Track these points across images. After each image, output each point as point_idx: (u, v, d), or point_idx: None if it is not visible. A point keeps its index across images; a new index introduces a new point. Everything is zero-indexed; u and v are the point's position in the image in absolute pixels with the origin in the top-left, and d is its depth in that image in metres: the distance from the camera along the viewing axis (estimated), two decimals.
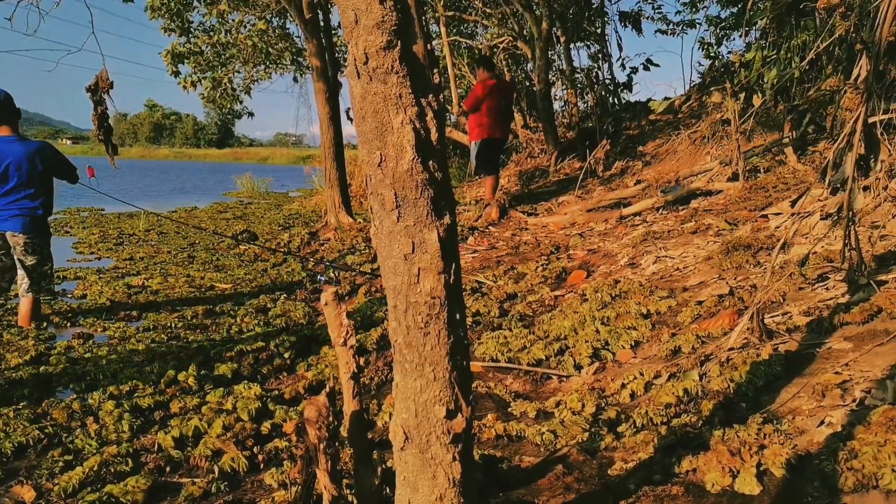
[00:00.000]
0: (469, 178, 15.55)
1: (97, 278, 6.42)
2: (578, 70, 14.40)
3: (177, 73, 15.08)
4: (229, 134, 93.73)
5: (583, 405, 2.40)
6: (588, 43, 15.07)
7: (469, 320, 3.88)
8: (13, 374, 3.62)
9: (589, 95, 14.06)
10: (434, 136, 1.24)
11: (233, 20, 14.39)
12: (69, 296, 5.80)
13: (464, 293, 4.55)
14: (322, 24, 8.13)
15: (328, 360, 3.74)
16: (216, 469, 2.37)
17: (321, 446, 1.37)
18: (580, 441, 2.04)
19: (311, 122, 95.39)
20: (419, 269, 1.23)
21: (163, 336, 4.46)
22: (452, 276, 1.26)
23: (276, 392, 3.26)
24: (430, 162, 1.23)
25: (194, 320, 4.89)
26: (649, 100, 13.60)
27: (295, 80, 17.92)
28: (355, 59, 1.21)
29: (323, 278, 5.76)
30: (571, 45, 14.02)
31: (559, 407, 2.48)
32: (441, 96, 1.27)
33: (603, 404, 2.42)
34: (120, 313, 5.09)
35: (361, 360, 3.67)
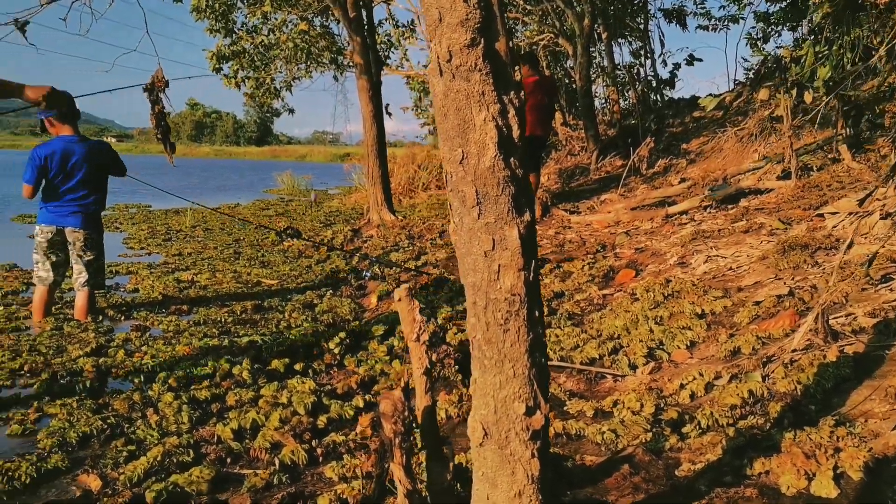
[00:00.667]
0: None
1: (148, 273, 6.56)
2: (620, 67, 14.27)
3: (219, 70, 15.32)
4: (268, 132, 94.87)
5: (641, 405, 2.38)
6: (630, 39, 14.92)
7: None
8: (74, 366, 3.72)
9: (630, 92, 13.92)
10: (515, 133, 1.24)
11: (275, 20, 14.58)
12: (122, 290, 5.93)
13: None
14: (366, 22, 8.18)
15: (377, 356, 3.77)
16: (277, 461, 2.41)
17: (396, 440, 1.39)
18: (644, 441, 2.03)
19: (349, 120, 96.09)
20: (499, 265, 1.23)
21: (214, 330, 4.54)
22: (532, 274, 1.26)
23: (329, 387, 3.29)
24: (512, 159, 1.23)
25: (243, 315, 4.97)
26: (693, 96, 13.41)
27: (335, 78, 18.02)
28: (438, 57, 1.22)
29: (368, 275, 5.80)
30: (613, 42, 13.90)
31: (617, 406, 2.47)
32: (521, 93, 1.27)
33: (662, 404, 2.40)
34: (171, 307, 5.20)
35: (406, 357, 3.70)
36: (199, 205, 6.87)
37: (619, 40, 14.27)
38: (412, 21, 15.81)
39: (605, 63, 13.66)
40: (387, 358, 3.69)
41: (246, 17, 14.59)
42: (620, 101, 13.56)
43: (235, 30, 14.65)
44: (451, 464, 1.47)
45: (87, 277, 4.74)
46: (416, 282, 5.21)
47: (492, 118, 1.20)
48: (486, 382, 1.27)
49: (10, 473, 2.44)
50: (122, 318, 4.91)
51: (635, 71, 14.06)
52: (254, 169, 37.47)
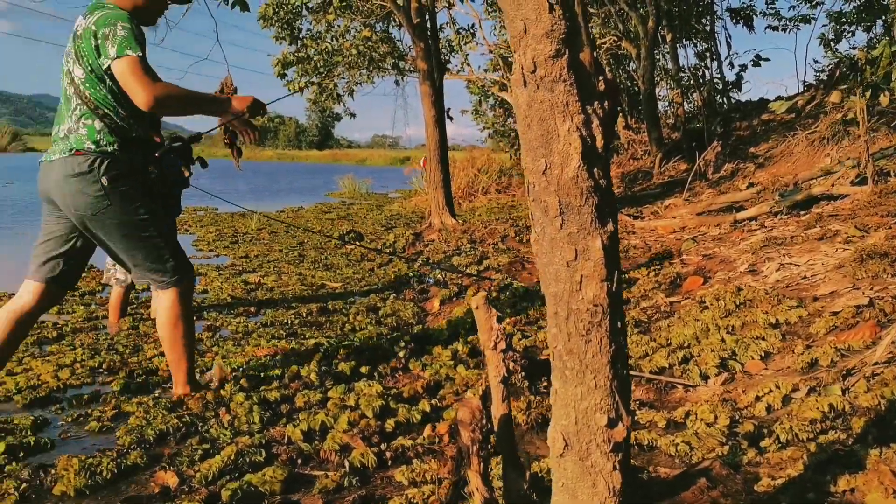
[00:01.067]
0: None
1: (217, 275, 6.74)
2: (684, 69, 14.01)
3: (283, 76, 15.66)
4: (329, 136, 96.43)
5: (715, 417, 2.33)
6: (695, 41, 14.63)
7: None
8: (150, 364, 3.86)
9: (695, 95, 13.64)
10: (599, 143, 1.24)
11: (338, 26, 14.82)
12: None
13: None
14: (428, 27, 8.24)
15: (442, 360, 3.79)
16: (347, 464, 2.44)
17: (474, 448, 1.39)
18: (720, 454, 1.99)
19: (408, 124, 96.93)
20: (581, 276, 1.23)
21: (281, 332, 4.64)
22: (614, 284, 1.25)
23: (395, 390, 3.32)
24: (595, 169, 1.23)
25: (309, 317, 5.07)
26: (762, 99, 13.06)
27: (396, 83, 18.21)
28: (522, 68, 1.22)
29: (430, 280, 5.84)
30: (678, 44, 13.65)
31: (689, 417, 2.42)
32: (606, 103, 1.27)
33: (737, 417, 2.35)
34: (240, 308, 5.34)
35: (473, 362, 3.70)
36: (250, 210, 7.03)
37: (684, 42, 14.01)
38: (472, 25, 15.84)
39: (669, 65, 13.42)
40: (451, 363, 3.71)
41: (310, 25, 14.90)
42: (685, 103, 13.30)
43: (300, 37, 14.97)
44: (528, 473, 1.47)
45: None
46: (478, 286, 5.22)
47: (576, 128, 1.20)
48: (567, 393, 1.27)
49: (92, 469, 2.54)
50: (194, 318, 5.05)
51: (700, 73, 13.78)
52: (315, 172, 38.12)
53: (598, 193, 1.23)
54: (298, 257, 8.00)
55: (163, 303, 3.23)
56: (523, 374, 2.95)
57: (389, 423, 2.82)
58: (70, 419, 3.12)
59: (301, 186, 25.69)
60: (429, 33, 8.23)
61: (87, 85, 2.86)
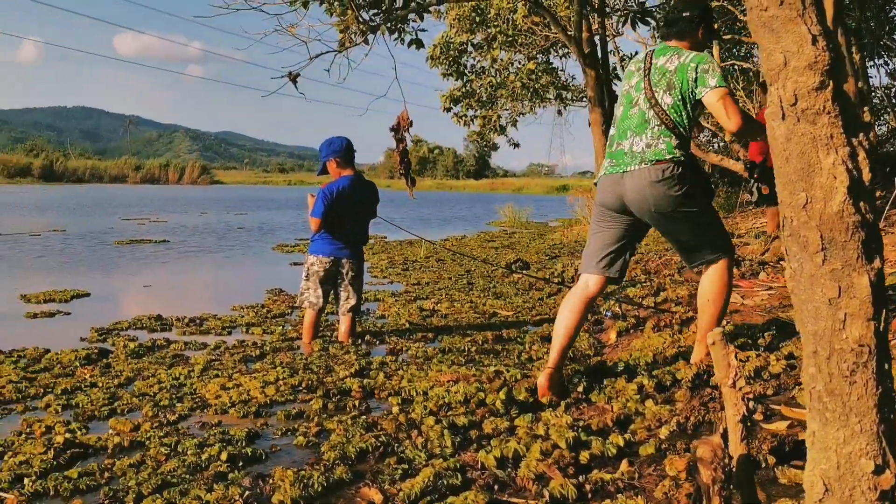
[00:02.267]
0: (741, 207, 14.63)
1: (393, 301, 7.04)
2: (875, 89, 12.96)
3: (448, 110, 16.17)
4: (485, 165, 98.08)
5: None
6: (887, 59, 13.53)
7: (784, 362, 3.62)
8: (343, 385, 4.08)
9: (888, 116, 12.57)
10: (866, 176, 1.19)
11: (502, 60, 15.13)
12: (372, 315, 6.42)
13: (770, 332, 4.27)
14: (600, 56, 8.22)
15: (628, 394, 3.71)
16: (546, 493, 2.45)
17: (715, 488, 1.36)
18: None
19: (564, 152, 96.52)
20: (845, 314, 1.18)
21: (460, 358, 4.75)
22: (882, 324, 1.19)
23: (583, 422, 3.30)
24: (861, 203, 1.18)
25: (485, 345, 5.15)
26: None
27: (559, 112, 18.22)
28: (781, 101, 1.21)
29: (609, 314, 5.75)
30: (867, 63, 12.67)
31: None
32: (871, 134, 1.22)
33: None
34: (418, 334, 5.52)
35: (661, 397, 3.59)
36: (429, 242, 7.26)
37: (875, 61, 12.98)
38: (636, 53, 15.62)
39: (860, 85, 12.47)
40: (637, 397, 3.62)
41: (475, 61, 15.33)
42: (876, 126, 12.29)
43: (466, 73, 15.43)
44: None
45: (353, 304, 5.21)
46: (658, 318, 5.08)
47: (841, 161, 1.16)
48: (828, 436, 1.21)
49: (304, 481, 2.72)
50: (377, 342, 5.30)
51: (893, 93, 12.70)
52: (474, 201, 38.85)
53: (865, 228, 1.19)
54: (467, 285, 8.17)
55: (717, 272, 3.69)
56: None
57: (584, 455, 2.80)
58: (279, 433, 3.37)
59: (462, 215, 26.27)
60: (599, 62, 8.20)
61: (673, 110, 3.43)
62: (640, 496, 2.33)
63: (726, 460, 1.35)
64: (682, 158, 3.46)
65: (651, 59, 3.58)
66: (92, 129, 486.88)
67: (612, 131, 3.69)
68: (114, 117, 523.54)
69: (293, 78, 7.48)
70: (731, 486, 1.37)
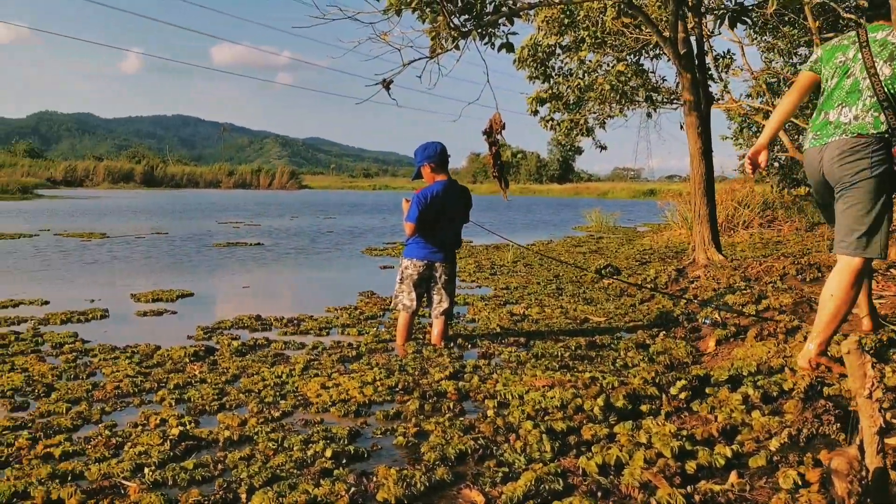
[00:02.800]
0: None
1: (483, 305, 7.05)
2: None
3: (535, 113, 16.10)
4: (569, 169, 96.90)
5: None
6: None
7: None
8: (439, 387, 4.13)
9: None
10: None
11: (590, 61, 14.95)
12: (462, 319, 6.46)
13: (880, 343, 4.05)
14: (696, 58, 8.01)
15: (732, 404, 3.59)
16: (653, 502, 2.41)
17: (850, 501, 1.31)
18: None
19: (650, 156, 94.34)
20: None
21: (554, 363, 4.71)
22: None
23: (686, 431, 3.22)
24: None
25: (578, 351, 5.10)
26: None
27: (648, 115, 17.88)
28: None
29: (708, 321, 5.58)
30: None
31: None
32: None
33: None
34: (509, 339, 5.52)
35: (768, 408, 3.46)
36: (524, 247, 7.23)
37: None
38: (728, 51, 15.11)
39: None
40: (742, 407, 3.50)
41: (563, 63, 15.21)
42: None
43: (553, 75, 15.33)
44: None
45: (445, 307, 5.26)
46: (760, 327, 4.90)
47: None
48: None
49: (407, 480, 2.77)
50: (469, 345, 5.33)
51: None
52: (558, 206, 38.49)
53: None
54: (556, 290, 8.11)
55: (848, 268, 3.59)
56: (838, 424, 2.71)
57: (690, 465, 2.73)
58: (379, 432, 3.44)
59: (547, 219, 26.08)
60: (695, 63, 7.99)
61: (890, 81, 3.47)
62: None
63: (863, 473, 1.30)
64: (886, 136, 3.47)
65: (866, 33, 3.63)
66: (189, 136, 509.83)
67: (819, 102, 3.75)
68: (209, 125, 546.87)
69: (386, 85, 7.62)
70: (868, 500, 1.32)
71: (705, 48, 12.33)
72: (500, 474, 2.85)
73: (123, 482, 2.82)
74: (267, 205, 37.42)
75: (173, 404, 3.87)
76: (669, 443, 2.93)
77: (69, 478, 2.86)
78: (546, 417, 3.54)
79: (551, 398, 3.81)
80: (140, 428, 3.49)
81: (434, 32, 8.27)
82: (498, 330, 5.90)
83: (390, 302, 6.42)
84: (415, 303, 5.26)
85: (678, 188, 22.14)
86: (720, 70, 14.60)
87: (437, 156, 5.29)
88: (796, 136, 16.35)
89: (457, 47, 7.88)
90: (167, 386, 4.19)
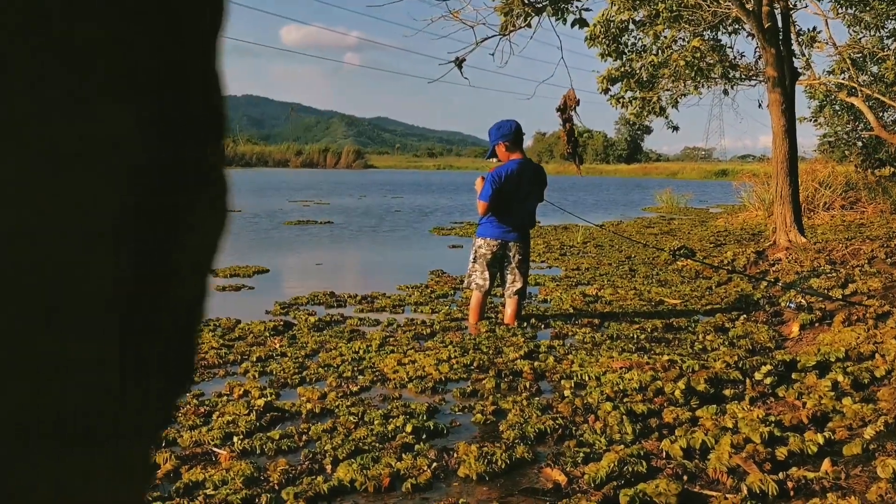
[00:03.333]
0: None
1: (554, 285, 7.00)
2: None
3: (606, 91, 15.77)
4: (637, 149, 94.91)
5: None
6: None
7: None
8: (514, 366, 4.12)
9: None
10: None
11: (665, 37, 14.54)
12: (534, 299, 6.43)
13: None
14: (781, 33, 7.69)
15: (820, 390, 3.48)
16: (744, 488, 2.36)
17: None
18: None
19: (723, 135, 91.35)
20: None
21: (630, 346, 4.65)
22: None
23: (774, 417, 3.13)
24: None
25: (655, 333, 5.00)
26: None
27: (725, 92, 17.34)
28: None
29: (792, 305, 5.40)
30: None
31: None
32: None
33: None
34: (583, 320, 5.46)
35: (859, 395, 3.34)
36: (597, 226, 7.12)
37: None
38: (813, 28, 14.47)
39: None
40: (832, 394, 3.39)
41: (636, 39, 14.83)
42: None
43: (625, 52, 14.97)
44: None
45: (519, 287, 5.24)
46: (848, 312, 4.71)
47: None
48: None
49: (488, 457, 2.78)
50: (542, 326, 5.30)
51: None
52: (626, 186, 37.78)
53: None
54: (629, 272, 7.97)
55: None
56: None
57: (780, 452, 2.66)
58: (456, 409, 3.46)
59: (615, 200, 25.66)
60: (780, 38, 7.67)
61: None
62: (851, 497, 2.18)
63: None
64: None
65: None
66: (258, 116, 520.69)
67: None
68: (278, 105, 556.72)
69: (459, 63, 7.59)
70: None
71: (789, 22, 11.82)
72: (581, 454, 2.83)
73: (215, 449, 2.92)
74: (335, 184, 37.98)
75: (256, 376, 3.98)
76: (758, 428, 2.86)
77: (163, 444, 2.97)
78: (625, 399, 3.50)
79: (629, 380, 3.76)
80: (226, 398, 3.60)
81: (506, 9, 8.17)
82: (571, 311, 5.84)
83: (461, 281, 6.43)
84: (488, 282, 5.25)
85: (753, 168, 21.40)
86: (803, 45, 14.00)
87: (511, 134, 5.23)
88: (881, 114, 15.58)
89: (529, 25, 7.78)
90: (250, 359, 4.31)
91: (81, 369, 0.23)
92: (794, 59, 8.73)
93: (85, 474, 0.24)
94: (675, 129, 17.87)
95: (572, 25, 8.35)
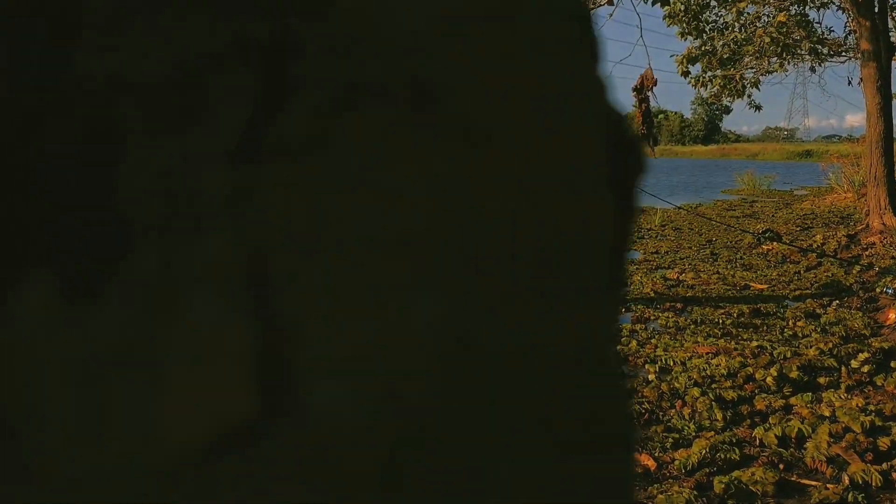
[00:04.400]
0: None
1: (634, 269, 6.88)
2: None
3: (686, 74, 15.34)
4: (715, 130, 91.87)
5: None
6: None
7: None
8: None
9: None
10: None
11: (748, 13, 14.01)
12: None
13: None
14: (877, 4, 7.29)
15: None
16: (846, 478, 2.29)
17: None
18: None
19: (807, 115, 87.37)
20: None
21: (716, 331, 4.54)
22: None
23: (873, 407, 3.02)
24: None
25: (741, 319, 4.87)
26: None
27: (812, 69, 16.63)
28: None
29: (889, 290, 5.17)
30: None
31: None
32: None
33: None
34: (665, 304, 5.36)
35: None
36: (680, 208, 6.96)
37: None
38: None
39: None
40: None
41: (717, 17, 14.35)
42: None
43: (706, 30, 14.51)
44: None
45: None
46: None
47: None
48: None
49: None
50: (622, 309, 5.23)
51: None
52: (704, 168, 36.70)
53: None
54: (711, 256, 7.77)
55: None
56: None
57: (883, 442, 2.56)
58: None
59: (693, 182, 25.01)
60: (875, 10, 7.28)
61: None
62: None
63: None
64: None
65: None
66: None
67: None
68: None
69: None
70: None
71: None
72: (671, 440, 2.80)
73: None
74: None
75: None
76: (858, 417, 2.77)
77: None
78: (713, 385, 3.43)
79: (717, 366, 3.68)
80: None
81: None
82: (652, 295, 5.74)
83: None
84: None
85: (841, 149, 20.49)
86: None
87: None
88: None
89: (611, 2, 7.62)
90: None
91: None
92: (889, 33, 8.28)
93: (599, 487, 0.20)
94: (758, 108, 17.25)
95: (653, 4, 8.15)
